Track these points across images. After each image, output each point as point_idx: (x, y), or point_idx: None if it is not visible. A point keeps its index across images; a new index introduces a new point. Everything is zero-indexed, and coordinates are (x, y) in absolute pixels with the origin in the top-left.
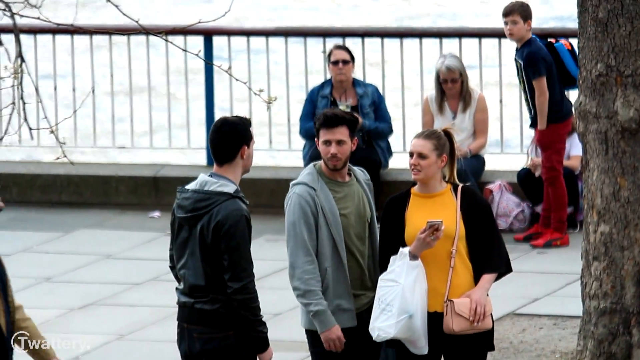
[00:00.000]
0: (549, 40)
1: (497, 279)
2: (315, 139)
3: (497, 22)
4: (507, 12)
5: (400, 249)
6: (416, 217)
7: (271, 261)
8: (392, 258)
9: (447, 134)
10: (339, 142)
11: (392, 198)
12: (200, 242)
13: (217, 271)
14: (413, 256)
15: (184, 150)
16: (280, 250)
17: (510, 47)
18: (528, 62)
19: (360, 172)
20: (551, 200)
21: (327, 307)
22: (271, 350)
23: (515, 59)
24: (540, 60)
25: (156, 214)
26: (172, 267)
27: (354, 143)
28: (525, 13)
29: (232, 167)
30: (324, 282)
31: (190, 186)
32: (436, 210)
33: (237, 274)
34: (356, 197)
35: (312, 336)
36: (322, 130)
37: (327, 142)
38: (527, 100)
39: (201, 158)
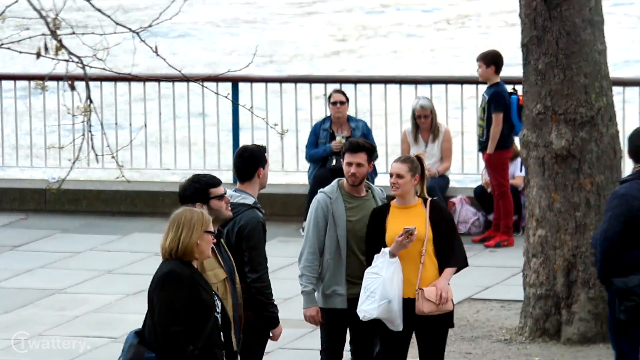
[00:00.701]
0: (510, 89)
1: (457, 271)
2: (341, 160)
3: (465, 71)
4: (477, 58)
5: (382, 249)
6: (395, 224)
7: (283, 257)
8: (376, 256)
9: (419, 159)
10: (359, 165)
11: (376, 209)
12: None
13: (239, 265)
14: (392, 255)
15: (215, 170)
16: (290, 250)
17: (470, 92)
18: (492, 98)
19: (379, 191)
20: (500, 210)
21: (313, 291)
22: (281, 327)
23: (483, 95)
24: (502, 100)
25: None
26: None
27: (370, 166)
28: (487, 60)
29: (252, 184)
30: (324, 269)
31: None
32: (410, 219)
33: (254, 267)
34: (367, 209)
35: (323, 312)
36: (347, 154)
37: (349, 164)
38: (481, 127)
39: (229, 177)
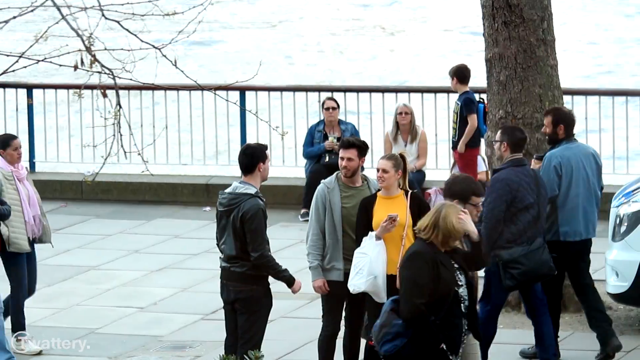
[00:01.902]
0: (478, 97)
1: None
2: (333, 156)
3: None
4: (449, 73)
5: (370, 232)
6: (380, 212)
7: (284, 240)
8: (364, 238)
9: (402, 156)
10: (349, 159)
11: (364, 199)
12: (232, 227)
13: (243, 246)
14: (377, 237)
15: (225, 166)
16: (290, 233)
17: (442, 100)
18: (465, 104)
19: (374, 182)
20: None
21: (318, 266)
22: (299, 282)
23: (456, 102)
24: (473, 104)
25: (207, 208)
26: (217, 244)
27: (362, 161)
28: (452, 74)
29: (254, 176)
30: (325, 249)
31: (227, 190)
32: (393, 208)
33: (255, 247)
34: (362, 198)
35: (328, 284)
36: (340, 150)
37: (342, 158)
38: (454, 129)
39: (237, 171)
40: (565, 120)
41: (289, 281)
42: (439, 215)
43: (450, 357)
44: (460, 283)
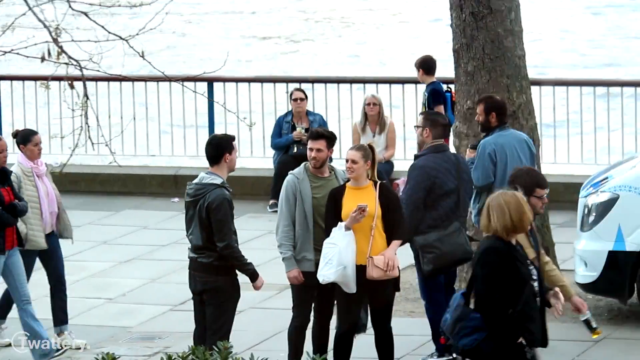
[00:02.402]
0: (446, 87)
1: (402, 244)
2: (301, 147)
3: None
4: (415, 65)
5: (339, 223)
6: (349, 203)
7: (252, 230)
8: (333, 229)
9: (371, 147)
10: (318, 150)
11: (333, 190)
12: (199, 217)
13: (210, 236)
14: (347, 228)
15: (194, 157)
16: (259, 224)
17: (410, 91)
18: (431, 95)
19: (341, 172)
20: None
21: (292, 256)
22: (262, 278)
23: (424, 93)
24: (439, 95)
25: (176, 199)
26: (186, 234)
27: (331, 152)
28: (417, 65)
29: (220, 167)
30: (296, 239)
31: (194, 180)
32: (363, 198)
33: (221, 237)
34: (330, 188)
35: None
36: (309, 141)
37: (311, 149)
38: None
39: (205, 162)
40: (497, 108)
41: (253, 275)
42: (501, 205)
43: (527, 351)
44: (534, 277)
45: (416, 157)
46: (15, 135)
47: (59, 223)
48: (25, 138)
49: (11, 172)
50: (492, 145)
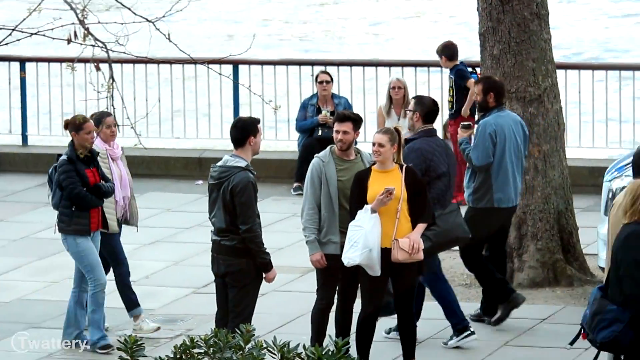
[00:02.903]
0: (471, 70)
1: (428, 227)
2: (326, 130)
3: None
4: (436, 52)
5: (365, 205)
6: (375, 186)
7: (276, 214)
8: (359, 212)
9: (397, 130)
10: (345, 132)
11: (359, 172)
12: (222, 200)
13: (233, 219)
14: (373, 211)
15: (218, 139)
16: (282, 207)
17: (435, 74)
18: (459, 75)
19: (367, 155)
20: (462, 173)
21: (315, 240)
22: (274, 271)
23: (450, 76)
24: (465, 73)
25: (200, 182)
26: (209, 217)
27: (357, 134)
28: (439, 53)
29: (244, 150)
30: (322, 222)
31: (218, 163)
32: (388, 181)
33: (245, 220)
34: (355, 171)
35: (325, 257)
36: (335, 123)
37: (337, 132)
38: (450, 102)
39: (229, 144)
40: (495, 89)
41: (267, 266)
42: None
43: None
44: None
45: (407, 140)
46: (66, 125)
47: (130, 209)
48: (98, 121)
49: (98, 153)
50: (492, 125)
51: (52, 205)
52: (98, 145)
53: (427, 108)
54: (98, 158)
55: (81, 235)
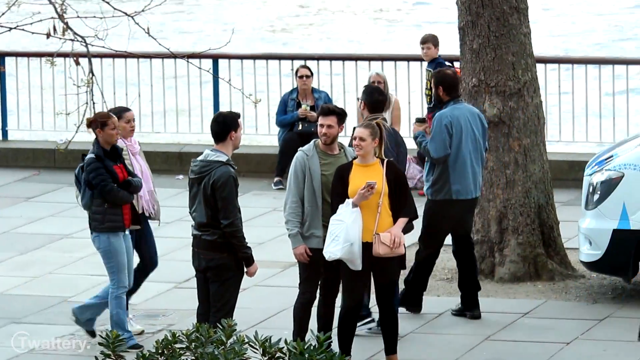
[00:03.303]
0: (448, 64)
1: (408, 221)
2: (306, 124)
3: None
4: (424, 41)
5: (346, 199)
6: (356, 180)
7: (257, 208)
8: (340, 206)
9: (378, 125)
10: (329, 126)
11: (340, 166)
12: (203, 194)
13: (214, 213)
14: (354, 205)
15: (199, 134)
16: (263, 201)
17: (415, 69)
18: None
19: (350, 150)
20: None
21: (298, 233)
22: (256, 265)
23: (427, 69)
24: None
25: (180, 176)
26: (189, 212)
27: (341, 128)
28: (435, 41)
29: (225, 144)
30: (305, 216)
31: (199, 158)
32: (370, 176)
33: (226, 215)
34: (339, 165)
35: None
36: (320, 117)
37: (322, 125)
38: (429, 95)
39: (210, 139)
40: (443, 82)
41: (248, 260)
42: None
43: None
44: None
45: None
46: (90, 123)
47: (154, 203)
48: (117, 115)
49: (122, 149)
50: (448, 117)
51: (82, 206)
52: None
53: (372, 98)
54: None
55: (115, 233)
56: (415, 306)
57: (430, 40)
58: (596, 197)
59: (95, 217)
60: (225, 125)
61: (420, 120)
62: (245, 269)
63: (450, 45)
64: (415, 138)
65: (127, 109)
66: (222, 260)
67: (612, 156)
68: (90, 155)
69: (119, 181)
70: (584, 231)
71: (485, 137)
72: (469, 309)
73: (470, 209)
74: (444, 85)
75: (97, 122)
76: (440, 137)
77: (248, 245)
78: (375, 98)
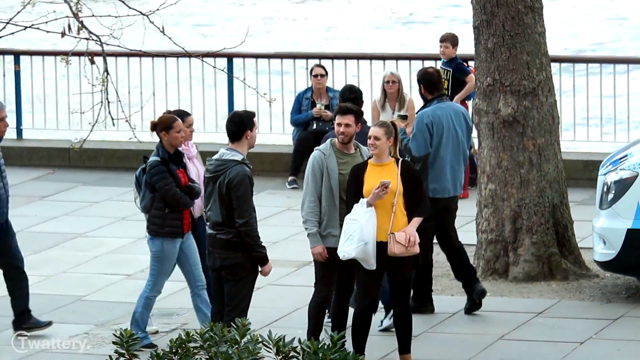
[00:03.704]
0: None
1: (423, 222)
2: (320, 123)
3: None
4: (443, 39)
5: (361, 199)
6: (371, 179)
7: (271, 207)
8: (355, 205)
9: (393, 124)
10: (347, 125)
11: (355, 166)
12: (218, 193)
13: (229, 212)
14: (369, 204)
15: (213, 133)
16: (277, 200)
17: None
18: (459, 68)
19: (366, 150)
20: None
21: (317, 233)
22: (270, 265)
23: (442, 67)
24: (465, 67)
25: None
26: (204, 211)
27: (359, 127)
28: (455, 41)
29: (240, 144)
30: (322, 215)
31: (214, 157)
32: (384, 175)
33: (241, 214)
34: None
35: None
36: (337, 116)
37: (339, 124)
38: (446, 95)
39: (224, 138)
40: (423, 80)
41: (262, 260)
42: None
43: None
44: None
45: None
46: (154, 126)
47: None
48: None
49: (184, 153)
50: (430, 117)
51: (141, 209)
52: None
53: (345, 98)
54: None
55: (172, 239)
56: (425, 303)
57: (449, 40)
58: (610, 196)
59: (155, 220)
60: (240, 125)
61: (402, 117)
62: (259, 268)
63: (465, 45)
64: None
65: (187, 113)
66: (236, 259)
67: (626, 155)
68: (154, 158)
69: (181, 186)
70: (598, 231)
71: (469, 136)
72: (469, 292)
73: (448, 207)
74: (424, 83)
75: (162, 125)
76: (422, 136)
77: (262, 244)
78: (347, 97)
